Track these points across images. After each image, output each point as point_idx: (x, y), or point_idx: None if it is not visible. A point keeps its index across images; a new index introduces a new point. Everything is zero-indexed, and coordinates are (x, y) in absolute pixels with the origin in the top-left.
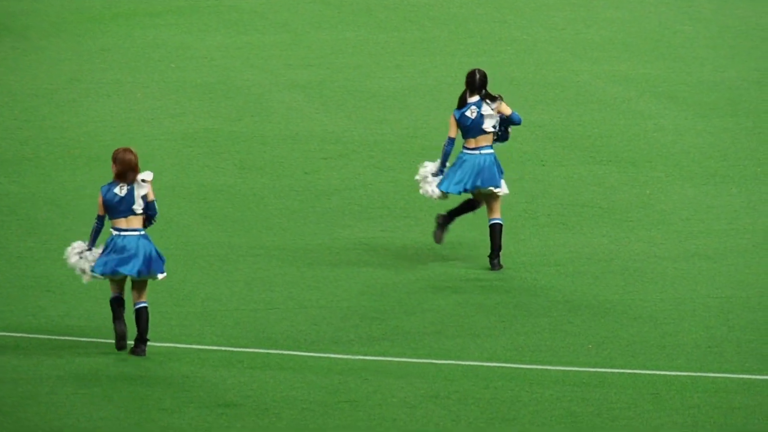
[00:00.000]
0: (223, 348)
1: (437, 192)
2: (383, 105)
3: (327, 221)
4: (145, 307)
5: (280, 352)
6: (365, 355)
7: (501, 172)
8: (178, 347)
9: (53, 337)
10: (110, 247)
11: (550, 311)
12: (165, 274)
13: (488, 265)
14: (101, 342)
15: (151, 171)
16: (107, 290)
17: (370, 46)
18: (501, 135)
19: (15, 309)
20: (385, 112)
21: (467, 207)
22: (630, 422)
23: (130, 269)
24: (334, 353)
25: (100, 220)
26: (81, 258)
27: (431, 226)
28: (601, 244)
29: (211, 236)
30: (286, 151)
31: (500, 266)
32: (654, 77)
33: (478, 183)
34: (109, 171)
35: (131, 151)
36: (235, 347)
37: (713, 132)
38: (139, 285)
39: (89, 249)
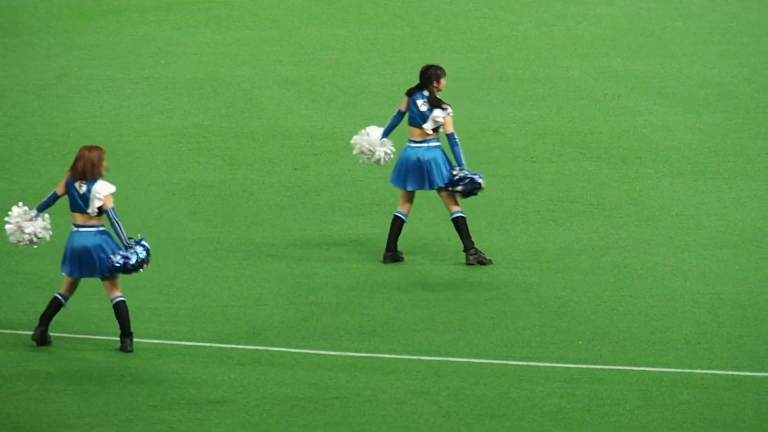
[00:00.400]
0: (213, 344)
1: (377, 155)
2: (373, 101)
3: (317, 217)
4: (122, 301)
5: (270, 348)
6: (355, 351)
7: (449, 165)
8: (168, 343)
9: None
10: (69, 247)
11: (540, 307)
12: (118, 269)
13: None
14: (91, 338)
15: (114, 186)
16: (97, 287)
17: (359, 42)
18: (461, 189)
19: (4, 305)
20: (374, 108)
21: (398, 227)
22: (619, 418)
23: (89, 273)
24: (324, 349)
25: (55, 195)
26: (25, 222)
27: (422, 222)
28: (591, 241)
29: (201, 232)
30: (276, 147)
31: (474, 261)
32: (644, 73)
33: (426, 187)
34: None
35: (88, 150)
36: (225, 343)
37: (703, 128)
38: (109, 280)
39: (35, 215)
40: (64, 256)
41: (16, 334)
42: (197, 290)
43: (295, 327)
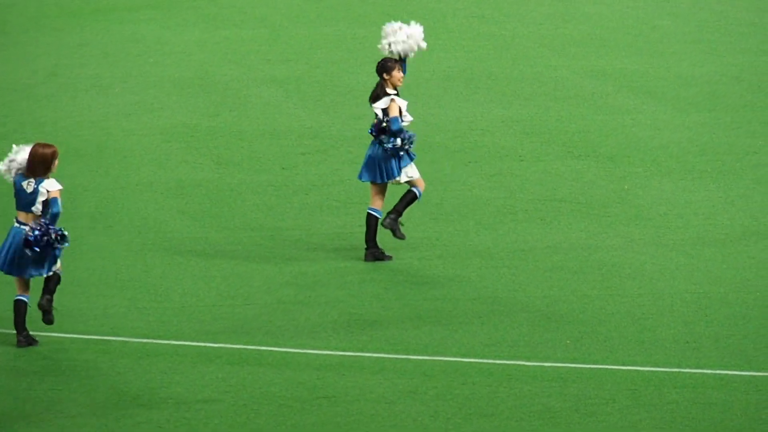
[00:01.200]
0: (201, 344)
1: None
2: (361, 100)
3: (305, 217)
4: (23, 301)
5: (258, 347)
6: (343, 350)
7: (399, 162)
8: (156, 343)
9: (31, 332)
10: (9, 240)
11: (528, 306)
12: (46, 273)
13: (466, 260)
14: (80, 338)
15: (60, 185)
16: (85, 285)
17: (348, 41)
18: (391, 148)
19: None
20: (363, 107)
21: (410, 199)
22: (608, 418)
23: (34, 272)
24: (312, 349)
25: None
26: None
27: (410, 221)
28: (578, 239)
29: (189, 231)
30: (264, 147)
31: (372, 259)
32: (632, 72)
33: (378, 179)
34: (86, 166)
35: (41, 147)
36: (213, 343)
37: (691, 127)
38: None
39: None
40: (4, 252)
41: (4, 333)
42: (185, 289)
43: (282, 326)
